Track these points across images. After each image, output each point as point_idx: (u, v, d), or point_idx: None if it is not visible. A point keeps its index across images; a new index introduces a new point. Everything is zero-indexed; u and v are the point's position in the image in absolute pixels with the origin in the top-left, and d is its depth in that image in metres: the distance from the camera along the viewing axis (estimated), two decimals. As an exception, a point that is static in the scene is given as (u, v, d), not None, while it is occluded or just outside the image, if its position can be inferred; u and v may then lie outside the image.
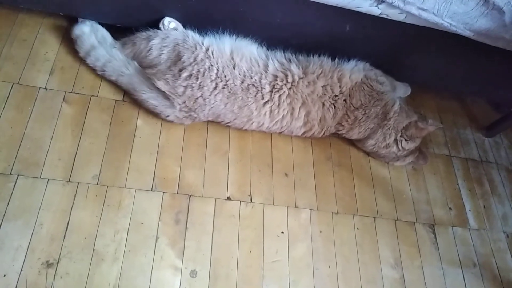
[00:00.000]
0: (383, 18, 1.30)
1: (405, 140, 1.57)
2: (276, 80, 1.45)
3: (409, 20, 1.30)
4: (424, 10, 1.23)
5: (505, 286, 1.55)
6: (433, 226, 1.58)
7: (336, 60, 1.53)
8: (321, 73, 1.49)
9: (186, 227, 1.31)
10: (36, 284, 1.12)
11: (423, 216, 1.59)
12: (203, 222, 1.33)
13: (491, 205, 1.72)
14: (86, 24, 1.48)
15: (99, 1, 1.43)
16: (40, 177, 1.26)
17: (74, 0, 1.45)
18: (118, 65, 1.44)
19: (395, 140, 1.57)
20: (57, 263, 1.16)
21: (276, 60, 1.48)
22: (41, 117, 1.37)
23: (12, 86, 1.39)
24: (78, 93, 1.45)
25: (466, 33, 1.31)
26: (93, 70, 1.48)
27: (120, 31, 1.51)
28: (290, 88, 1.45)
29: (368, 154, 1.66)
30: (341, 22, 1.41)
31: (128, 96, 1.47)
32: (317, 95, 1.48)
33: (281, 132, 1.55)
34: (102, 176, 1.31)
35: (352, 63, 1.54)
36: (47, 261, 1.15)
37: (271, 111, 1.46)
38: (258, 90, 1.43)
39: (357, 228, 1.48)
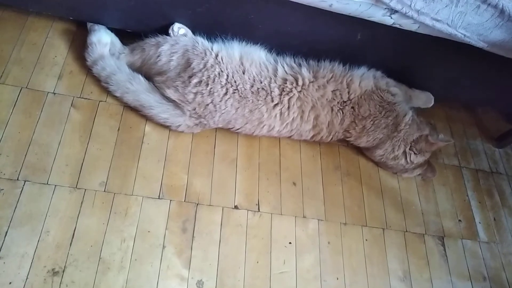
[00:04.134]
0: (395, 27, 1.29)
1: (414, 153, 1.55)
2: (286, 84, 1.44)
3: (422, 30, 1.29)
4: (438, 20, 1.21)
5: (515, 301, 1.53)
6: (443, 238, 1.56)
7: (347, 66, 1.52)
8: (331, 77, 1.48)
9: (193, 236, 1.30)
10: (42, 292, 1.11)
11: (433, 228, 1.57)
12: (210, 231, 1.32)
13: (501, 218, 1.70)
14: (108, 32, 1.47)
15: (109, 6, 1.42)
16: (47, 183, 1.25)
17: (84, 4, 1.44)
18: (123, 80, 1.40)
19: (404, 152, 1.55)
20: (63, 271, 1.14)
21: (285, 65, 1.47)
22: (49, 122, 1.36)
23: (21, 90, 1.39)
24: (86, 98, 1.44)
25: (480, 44, 1.29)
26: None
27: (129, 36, 1.50)
28: (300, 91, 1.45)
29: (376, 164, 1.64)
30: (352, 30, 1.40)
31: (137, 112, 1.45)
32: (326, 99, 1.47)
33: (291, 136, 1.54)
34: (109, 183, 1.30)
35: (363, 69, 1.52)
36: (53, 269, 1.14)
37: (281, 113, 1.45)
38: (268, 93, 1.42)
39: (366, 240, 1.46)
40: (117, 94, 1.43)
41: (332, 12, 1.27)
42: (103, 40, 1.45)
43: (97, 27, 1.47)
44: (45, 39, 1.52)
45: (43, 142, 1.32)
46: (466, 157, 1.81)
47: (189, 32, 1.47)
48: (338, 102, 1.48)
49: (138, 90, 1.40)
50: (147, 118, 1.44)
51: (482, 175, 1.78)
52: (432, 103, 1.64)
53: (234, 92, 1.39)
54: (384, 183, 1.61)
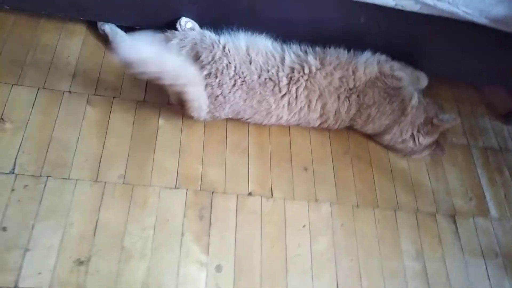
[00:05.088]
0: (398, 9, 1.31)
1: (422, 135, 1.57)
2: (293, 72, 1.46)
3: (424, 10, 1.30)
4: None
5: (529, 275, 1.55)
6: (454, 217, 1.59)
7: (352, 52, 1.53)
8: (338, 64, 1.49)
9: (210, 223, 1.34)
10: (69, 281, 1.17)
11: (444, 207, 1.60)
12: (226, 218, 1.37)
13: (512, 194, 1.72)
14: (104, 28, 1.53)
15: (118, 5, 1.47)
16: (69, 178, 1.31)
17: (94, 4, 1.48)
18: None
19: (412, 135, 1.57)
20: (88, 261, 1.20)
21: (292, 53, 1.49)
22: (66, 120, 1.41)
23: (38, 90, 1.44)
24: (101, 95, 1.48)
25: (482, 20, 1.31)
26: (114, 72, 1.51)
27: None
28: (307, 80, 1.47)
29: (385, 147, 1.66)
30: (355, 14, 1.42)
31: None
32: (334, 87, 1.49)
33: (299, 124, 1.57)
34: (127, 175, 1.35)
35: (367, 55, 1.54)
36: (78, 259, 1.20)
37: (289, 103, 1.48)
38: (276, 84, 1.45)
39: (378, 221, 1.49)
40: None
41: (335, -2, 1.30)
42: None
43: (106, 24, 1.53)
44: (58, 40, 1.56)
45: (63, 139, 1.37)
46: (474, 135, 1.82)
47: (196, 26, 1.50)
48: (344, 90, 1.50)
49: None
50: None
51: (491, 152, 1.80)
52: (427, 82, 1.65)
53: (242, 84, 1.42)
54: (394, 165, 1.64)
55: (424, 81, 1.64)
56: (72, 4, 1.48)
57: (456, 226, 1.57)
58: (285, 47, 1.51)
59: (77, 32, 1.59)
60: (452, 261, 1.49)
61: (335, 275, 1.36)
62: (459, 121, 1.78)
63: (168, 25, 1.49)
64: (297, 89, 1.47)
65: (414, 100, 1.54)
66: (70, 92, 1.47)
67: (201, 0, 1.43)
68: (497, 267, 1.52)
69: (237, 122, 1.53)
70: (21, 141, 1.34)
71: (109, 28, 1.53)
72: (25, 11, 1.55)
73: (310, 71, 1.47)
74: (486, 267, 1.51)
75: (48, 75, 1.48)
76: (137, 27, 1.54)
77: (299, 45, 1.52)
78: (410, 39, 1.55)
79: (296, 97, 1.47)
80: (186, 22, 1.49)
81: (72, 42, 1.57)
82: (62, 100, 1.44)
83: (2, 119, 1.36)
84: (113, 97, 1.49)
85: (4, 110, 1.38)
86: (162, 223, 1.31)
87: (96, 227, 1.25)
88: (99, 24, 1.54)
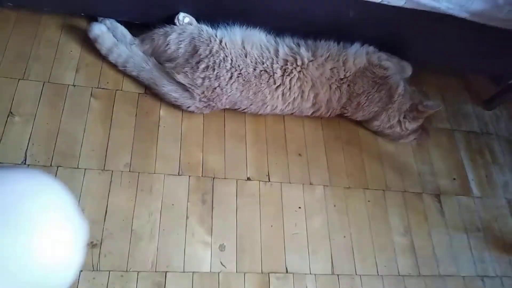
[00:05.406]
0: (384, 4, 1.39)
1: (408, 121, 1.66)
2: (287, 64, 1.54)
3: (409, 5, 1.39)
4: (423, -5, 1.33)
5: (507, 248, 1.67)
6: (439, 196, 1.70)
7: (341, 44, 1.62)
8: (328, 56, 1.58)
9: (212, 207, 1.43)
10: (85, 263, 1.25)
11: (429, 187, 1.71)
12: (227, 201, 1.46)
13: (492, 174, 1.84)
14: (104, 23, 1.57)
15: (118, 0, 1.52)
16: (78, 167, 1.38)
17: (94, 0, 1.54)
18: (139, 61, 1.53)
19: (399, 121, 1.66)
20: (101, 243, 1.29)
21: (285, 45, 1.56)
22: (72, 112, 1.47)
23: (44, 84, 1.49)
24: (103, 88, 1.55)
25: (463, 14, 1.40)
26: (114, 66, 1.57)
27: (137, 27, 1.59)
28: (300, 71, 1.54)
29: (374, 132, 1.76)
30: (345, 9, 1.49)
31: (150, 90, 1.57)
32: (325, 77, 1.57)
33: (293, 113, 1.65)
34: (133, 164, 1.43)
35: (356, 46, 1.62)
36: (91, 242, 1.28)
37: (283, 94, 1.56)
38: (270, 76, 1.53)
39: (368, 201, 1.60)
40: (134, 74, 1.54)
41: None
42: (103, 29, 1.54)
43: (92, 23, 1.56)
44: (60, 36, 1.61)
45: (70, 131, 1.44)
46: (457, 120, 1.93)
47: (194, 21, 1.56)
48: (335, 80, 1.59)
49: (152, 68, 1.52)
50: (161, 97, 1.55)
51: (473, 136, 1.91)
52: (411, 71, 1.74)
53: (239, 76, 1.50)
54: (382, 149, 1.74)
55: (408, 70, 1.74)
56: (72, 0, 1.53)
57: (441, 204, 1.68)
58: (279, 40, 1.58)
59: (78, 28, 1.63)
60: (437, 236, 1.61)
61: (329, 250, 1.47)
62: (442, 107, 1.89)
63: (166, 19, 1.55)
64: (290, 80, 1.54)
65: (401, 88, 1.64)
66: (74, 85, 1.53)
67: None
68: (478, 240, 1.65)
69: (234, 112, 1.61)
70: (31, 133, 1.40)
71: (110, 23, 1.58)
72: (27, 8, 1.59)
73: (302, 63, 1.55)
74: (468, 241, 1.64)
75: (52, 69, 1.53)
76: (137, 22, 1.60)
77: (291, 38, 1.59)
78: (396, 31, 1.63)
79: (290, 88, 1.55)
80: (184, 17, 1.55)
81: (73, 37, 1.62)
82: (67, 93, 1.50)
83: (11, 113, 1.42)
84: (116, 90, 1.56)
85: (12, 104, 1.43)
86: (167, 207, 1.39)
87: (106, 213, 1.33)
88: (100, 19, 1.59)
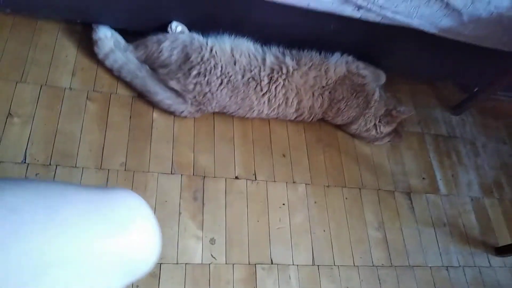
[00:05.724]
0: (362, 20, 1.52)
1: (383, 125, 1.80)
2: (273, 73, 1.64)
3: (385, 21, 1.51)
4: (397, 13, 1.46)
5: (470, 241, 1.84)
6: (410, 194, 1.85)
7: (323, 54, 1.73)
8: (311, 65, 1.69)
9: (203, 203, 1.54)
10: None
11: (401, 185, 1.86)
12: (217, 198, 1.56)
13: (458, 174, 2.00)
14: (108, 28, 1.63)
15: (113, 8, 1.57)
16: (75, 166, 1.46)
17: (90, 7, 1.58)
18: (133, 68, 1.60)
19: (375, 125, 1.80)
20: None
21: (272, 55, 1.66)
22: (69, 114, 1.54)
23: (41, 87, 1.56)
24: (99, 92, 1.62)
25: (433, 30, 1.55)
26: (109, 71, 1.64)
27: (131, 34, 1.66)
28: (285, 79, 1.65)
29: (352, 135, 1.90)
30: (326, 22, 1.59)
31: (143, 97, 1.64)
32: (309, 85, 1.68)
33: (277, 117, 1.77)
34: (128, 163, 1.52)
35: (337, 56, 1.74)
36: (90, 236, 1.36)
37: (269, 100, 1.67)
38: (258, 83, 1.63)
39: (346, 198, 1.74)
40: (127, 80, 1.61)
41: (309, 8, 1.49)
42: (107, 35, 1.61)
43: (100, 25, 1.63)
44: (56, 40, 1.66)
45: (67, 132, 1.51)
46: (427, 124, 2.09)
47: (186, 29, 1.65)
48: (318, 87, 1.70)
49: (145, 76, 1.59)
50: (154, 105, 1.63)
51: (441, 139, 2.08)
52: (384, 79, 1.87)
53: (228, 83, 1.59)
54: (359, 151, 1.88)
55: (383, 78, 1.87)
56: (69, 7, 1.58)
57: (411, 202, 1.84)
58: (266, 48, 1.68)
59: (73, 33, 1.70)
60: (408, 230, 1.76)
61: (310, 243, 1.59)
62: (414, 112, 2.05)
63: (160, 28, 1.63)
64: (276, 87, 1.65)
65: (376, 95, 1.78)
66: (70, 88, 1.60)
67: (191, 7, 1.58)
68: (444, 234, 1.81)
69: (223, 115, 1.72)
70: (30, 134, 1.47)
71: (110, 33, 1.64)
72: (24, 14, 1.64)
73: (288, 71, 1.65)
74: (435, 235, 1.79)
75: (49, 73, 1.59)
76: (131, 29, 1.68)
77: (277, 47, 1.70)
78: (372, 43, 1.76)
79: (275, 95, 1.66)
80: (177, 26, 1.63)
81: (69, 42, 1.68)
82: (64, 96, 1.57)
83: (10, 114, 1.49)
84: (111, 93, 1.64)
85: (11, 105, 1.50)
86: (161, 204, 1.49)
87: (104, 209, 1.42)
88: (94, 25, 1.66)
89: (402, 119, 1.85)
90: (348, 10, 1.46)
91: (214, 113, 1.72)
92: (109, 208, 0.62)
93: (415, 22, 1.50)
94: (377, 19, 1.50)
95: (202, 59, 1.57)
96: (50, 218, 0.55)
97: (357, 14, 1.48)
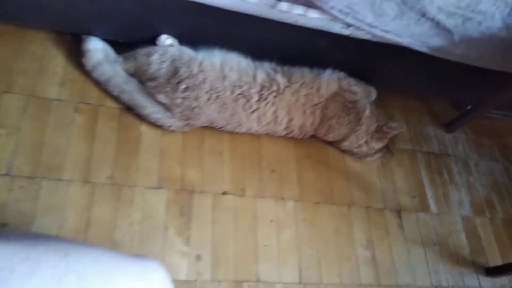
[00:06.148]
0: (353, 37, 1.52)
1: (374, 141, 1.79)
2: (263, 90, 1.63)
3: (375, 39, 1.51)
4: (387, 32, 1.46)
5: (460, 261, 1.83)
6: (400, 212, 1.84)
7: (315, 70, 1.73)
8: (303, 82, 1.68)
9: (190, 219, 1.52)
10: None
11: (391, 203, 1.84)
12: (204, 214, 1.54)
13: (450, 193, 1.99)
14: (99, 39, 1.61)
15: (103, 20, 1.57)
16: (61, 180, 1.44)
17: (80, 19, 1.57)
18: (120, 82, 1.58)
19: (366, 141, 1.79)
20: (82, 252, 1.35)
21: (263, 71, 1.65)
22: (56, 126, 1.52)
23: (28, 98, 1.53)
24: (87, 103, 1.60)
25: (423, 49, 1.55)
26: (98, 83, 1.63)
27: (120, 46, 1.65)
28: (275, 97, 1.64)
29: (342, 151, 1.89)
30: (317, 39, 1.59)
31: (132, 111, 1.62)
32: (300, 103, 1.68)
33: (267, 134, 1.76)
34: (114, 177, 1.50)
35: (328, 72, 1.74)
36: (73, 251, 1.34)
37: (258, 118, 1.66)
38: (247, 101, 1.62)
39: (335, 215, 1.72)
40: (115, 93, 1.59)
41: (299, 25, 1.49)
42: (98, 47, 1.60)
43: (91, 36, 1.62)
44: (44, 50, 1.64)
45: (54, 144, 1.49)
46: (419, 141, 2.09)
47: (176, 43, 1.64)
48: (310, 106, 1.70)
49: (133, 90, 1.58)
50: (142, 118, 1.62)
51: (433, 157, 2.07)
52: (375, 95, 1.88)
53: (216, 99, 1.58)
54: (349, 167, 1.87)
55: (374, 94, 1.87)
56: (58, 18, 1.56)
57: (401, 220, 1.82)
58: (257, 64, 1.67)
59: (62, 43, 1.67)
60: (397, 249, 1.74)
61: (298, 261, 1.57)
62: (405, 128, 2.04)
63: (149, 40, 1.62)
64: (266, 105, 1.64)
65: (368, 112, 1.77)
66: (58, 100, 1.57)
67: (182, 20, 1.57)
68: (434, 254, 1.79)
69: (213, 129, 1.70)
70: (15, 145, 1.45)
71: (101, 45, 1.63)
72: (13, 23, 1.62)
73: (278, 89, 1.64)
74: (425, 254, 1.78)
75: (37, 83, 1.57)
76: (120, 41, 1.67)
77: (269, 63, 1.70)
78: (363, 60, 1.76)
79: (265, 113, 1.65)
80: (167, 39, 1.61)
81: (58, 53, 1.65)
82: (52, 107, 1.55)
83: (-4, 124, 1.47)
84: (98, 105, 1.62)
85: (-4, 116, 1.49)
86: (147, 219, 1.47)
87: (88, 223, 1.40)
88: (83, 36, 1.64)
89: (394, 136, 1.84)
90: (336, 28, 1.46)
91: (204, 127, 1.70)
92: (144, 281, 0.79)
93: (405, 40, 1.50)
94: (367, 37, 1.50)
95: (190, 73, 1.56)
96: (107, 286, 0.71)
97: (346, 31, 1.48)
